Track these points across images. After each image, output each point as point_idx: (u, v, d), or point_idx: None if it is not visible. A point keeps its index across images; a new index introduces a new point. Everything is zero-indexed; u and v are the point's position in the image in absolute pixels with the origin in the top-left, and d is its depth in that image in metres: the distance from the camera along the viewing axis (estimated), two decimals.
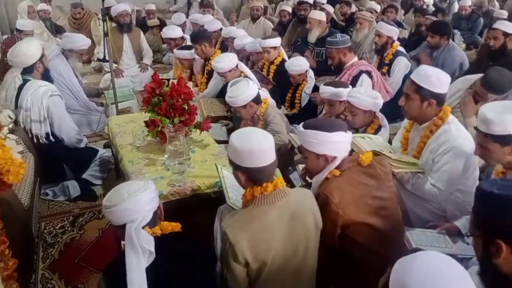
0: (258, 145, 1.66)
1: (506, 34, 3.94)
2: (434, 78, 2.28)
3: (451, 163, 2.28)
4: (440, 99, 2.32)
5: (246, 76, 3.77)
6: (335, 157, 1.91)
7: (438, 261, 1.06)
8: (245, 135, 1.72)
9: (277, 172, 1.83)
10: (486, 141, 1.93)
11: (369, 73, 3.78)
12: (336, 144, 1.89)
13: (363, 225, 1.86)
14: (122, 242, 1.58)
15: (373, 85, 3.77)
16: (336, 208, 1.80)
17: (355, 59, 3.91)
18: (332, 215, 1.82)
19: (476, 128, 2.00)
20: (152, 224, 1.62)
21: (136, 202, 1.55)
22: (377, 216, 1.90)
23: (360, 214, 1.85)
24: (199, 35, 4.58)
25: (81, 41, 4.47)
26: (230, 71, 3.78)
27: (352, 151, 2.18)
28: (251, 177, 1.70)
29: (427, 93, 2.29)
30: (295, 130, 3.15)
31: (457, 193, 2.37)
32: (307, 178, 2.25)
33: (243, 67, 3.98)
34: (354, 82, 3.70)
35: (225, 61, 3.77)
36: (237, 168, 1.72)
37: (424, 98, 2.31)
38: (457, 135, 2.30)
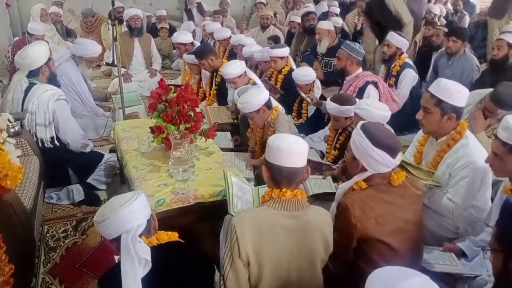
0: (287, 144, 1.72)
1: (510, 45, 3.96)
2: (455, 92, 2.25)
3: (469, 178, 2.24)
4: (459, 112, 2.29)
5: (254, 83, 3.78)
6: (366, 170, 1.86)
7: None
8: (283, 135, 1.83)
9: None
10: (503, 150, 1.90)
11: (375, 84, 3.74)
12: (373, 159, 1.81)
13: (381, 243, 1.80)
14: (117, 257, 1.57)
15: (379, 96, 3.72)
16: (355, 221, 1.76)
17: (359, 70, 3.85)
18: (350, 227, 1.78)
19: (495, 135, 1.98)
20: (147, 233, 1.61)
21: (128, 212, 1.54)
22: (396, 237, 1.83)
23: (379, 232, 1.80)
24: (204, 51, 4.51)
25: (92, 48, 4.45)
26: (239, 77, 3.80)
27: None
28: (272, 175, 1.75)
29: (448, 107, 2.25)
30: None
31: (471, 209, 2.31)
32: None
33: (252, 74, 3.98)
34: (360, 93, 3.65)
35: (233, 67, 3.79)
36: (265, 163, 1.80)
37: (444, 111, 2.27)
38: (475, 150, 2.27)
